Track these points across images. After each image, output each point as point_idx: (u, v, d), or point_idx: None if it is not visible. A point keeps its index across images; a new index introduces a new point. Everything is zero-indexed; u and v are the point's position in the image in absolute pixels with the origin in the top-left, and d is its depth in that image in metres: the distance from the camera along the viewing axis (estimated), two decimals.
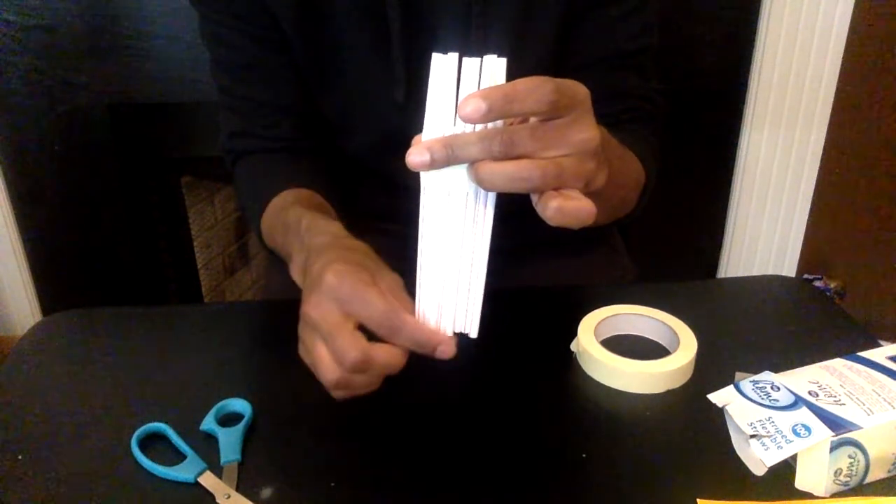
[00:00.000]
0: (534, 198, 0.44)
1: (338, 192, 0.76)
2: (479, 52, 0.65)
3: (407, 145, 0.46)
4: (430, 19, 0.70)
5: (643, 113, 0.78)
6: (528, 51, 0.72)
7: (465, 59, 0.43)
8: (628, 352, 0.61)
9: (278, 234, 0.67)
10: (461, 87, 0.43)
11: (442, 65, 0.43)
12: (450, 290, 0.48)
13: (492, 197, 0.45)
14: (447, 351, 0.47)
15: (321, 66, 0.74)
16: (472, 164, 0.43)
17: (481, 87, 0.42)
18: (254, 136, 0.78)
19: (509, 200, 0.46)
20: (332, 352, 0.46)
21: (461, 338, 0.49)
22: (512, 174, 0.42)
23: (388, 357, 0.47)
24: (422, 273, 0.47)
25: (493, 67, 0.43)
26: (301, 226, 0.59)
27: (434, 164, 0.43)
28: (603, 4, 0.72)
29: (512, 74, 0.44)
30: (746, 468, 0.51)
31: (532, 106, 0.41)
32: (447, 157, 0.42)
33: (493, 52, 0.74)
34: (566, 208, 0.43)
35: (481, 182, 0.43)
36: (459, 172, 0.44)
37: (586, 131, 0.44)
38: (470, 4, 0.69)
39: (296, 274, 0.56)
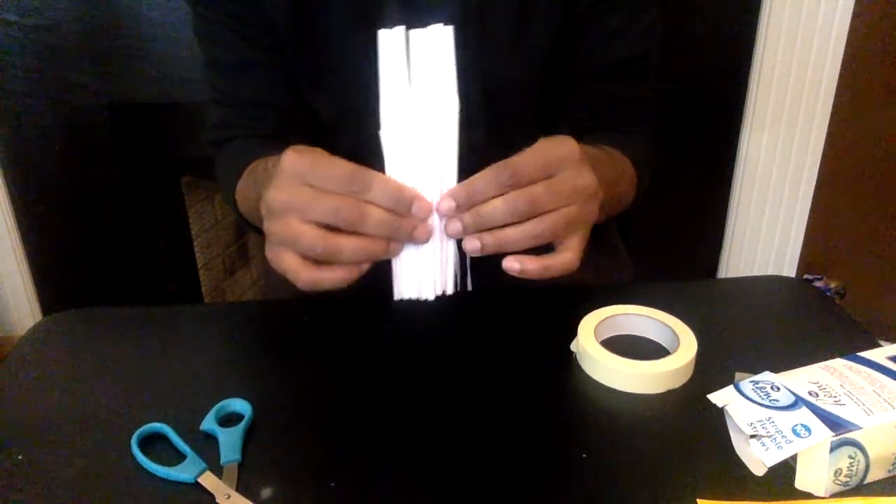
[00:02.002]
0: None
1: None
2: (478, 52, 0.66)
3: None
4: (428, 18, 0.70)
5: (636, 116, 0.79)
6: (525, 51, 0.72)
7: (411, 32, 0.47)
8: (628, 352, 0.61)
9: (251, 192, 0.66)
10: (411, 60, 0.47)
11: (389, 40, 0.47)
12: (425, 254, 0.50)
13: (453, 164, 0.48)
14: (424, 207, 0.48)
15: (316, 65, 0.74)
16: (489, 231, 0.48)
17: (429, 58, 0.47)
18: (238, 127, 0.78)
19: None
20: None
21: (445, 297, 0.51)
22: (531, 233, 0.47)
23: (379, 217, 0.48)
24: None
25: (440, 37, 0.47)
26: (264, 166, 0.59)
27: (466, 231, 0.48)
28: (602, 15, 0.72)
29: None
30: (746, 468, 0.51)
31: (534, 175, 0.47)
32: (476, 223, 0.47)
33: (491, 51, 0.75)
34: (529, 270, 0.49)
35: (505, 245, 0.47)
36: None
37: (585, 178, 0.49)
38: (468, 2, 0.69)
39: (263, 206, 0.53)
